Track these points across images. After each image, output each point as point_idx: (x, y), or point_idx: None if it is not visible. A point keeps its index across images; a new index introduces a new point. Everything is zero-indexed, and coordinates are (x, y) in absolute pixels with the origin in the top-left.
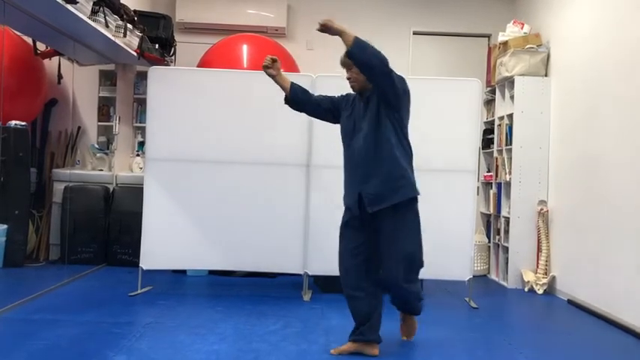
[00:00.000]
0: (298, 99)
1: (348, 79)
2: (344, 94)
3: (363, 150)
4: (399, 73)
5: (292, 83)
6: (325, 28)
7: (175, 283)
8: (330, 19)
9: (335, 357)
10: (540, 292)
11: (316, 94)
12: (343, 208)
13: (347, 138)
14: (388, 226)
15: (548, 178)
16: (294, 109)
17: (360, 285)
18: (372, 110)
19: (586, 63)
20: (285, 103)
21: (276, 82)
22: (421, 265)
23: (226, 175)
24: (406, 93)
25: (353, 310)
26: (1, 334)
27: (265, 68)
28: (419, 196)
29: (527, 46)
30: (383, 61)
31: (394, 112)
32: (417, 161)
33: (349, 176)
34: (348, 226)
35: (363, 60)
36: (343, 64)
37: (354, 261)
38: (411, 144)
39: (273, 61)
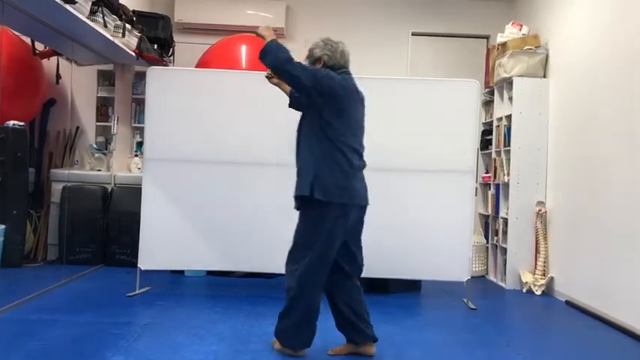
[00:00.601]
0: (297, 101)
1: None
2: None
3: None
4: (325, 71)
5: None
6: (256, 34)
7: (173, 283)
8: (265, 27)
9: (332, 358)
10: (538, 293)
11: None
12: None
13: None
14: None
15: (547, 179)
16: (297, 110)
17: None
18: (301, 109)
19: (584, 64)
20: (290, 106)
21: (280, 88)
22: (289, 270)
23: (225, 175)
24: (325, 92)
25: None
26: None
27: (268, 79)
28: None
29: (526, 48)
30: (280, 61)
31: (316, 110)
32: (415, 162)
33: None
34: None
35: (265, 62)
36: None
37: None
38: (350, 143)
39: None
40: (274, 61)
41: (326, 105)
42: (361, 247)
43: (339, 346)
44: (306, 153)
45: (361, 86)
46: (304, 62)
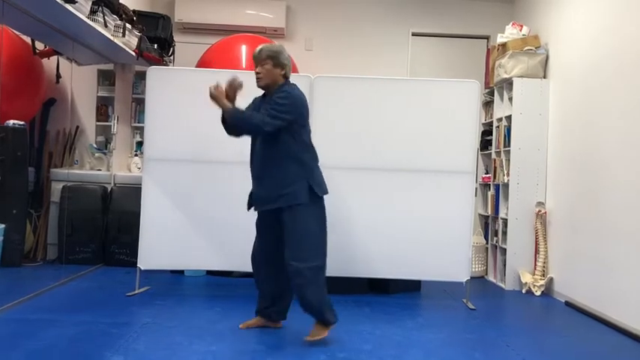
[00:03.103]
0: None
1: (257, 73)
2: (257, 98)
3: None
4: (292, 98)
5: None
6: (212, 97)
7: (173, 283)
8: (220, 92)
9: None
10: (538, 293)
11: (315, 94)
12: (341, 208)
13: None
14: None
15: (546, 180)
16: (237, 137)
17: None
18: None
19: (585, 64)
20: (228, 133)
21: (218, 104)
22: None
23: (225, 175)
24: (299, 117)
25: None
26: None
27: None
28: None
29: (526, 48)
30: (254, 127)
31: (293, 131)
32: (415, 162)
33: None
34: None
35: (234, 124)
36: (254, 58)
37: None
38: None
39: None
40: (249, 126)
41: (295, 123)
42: (290, 251)
43: (250, 320)
44: (293, 167)
45: None
46: (266, 62)
